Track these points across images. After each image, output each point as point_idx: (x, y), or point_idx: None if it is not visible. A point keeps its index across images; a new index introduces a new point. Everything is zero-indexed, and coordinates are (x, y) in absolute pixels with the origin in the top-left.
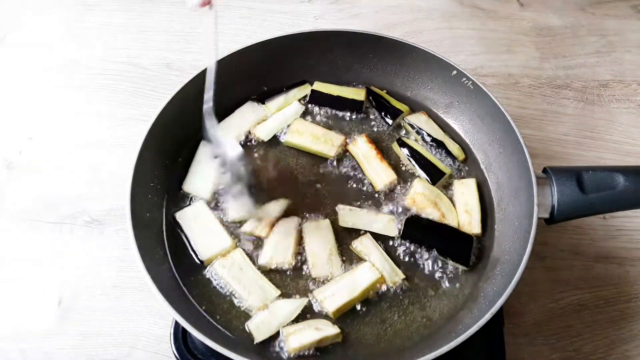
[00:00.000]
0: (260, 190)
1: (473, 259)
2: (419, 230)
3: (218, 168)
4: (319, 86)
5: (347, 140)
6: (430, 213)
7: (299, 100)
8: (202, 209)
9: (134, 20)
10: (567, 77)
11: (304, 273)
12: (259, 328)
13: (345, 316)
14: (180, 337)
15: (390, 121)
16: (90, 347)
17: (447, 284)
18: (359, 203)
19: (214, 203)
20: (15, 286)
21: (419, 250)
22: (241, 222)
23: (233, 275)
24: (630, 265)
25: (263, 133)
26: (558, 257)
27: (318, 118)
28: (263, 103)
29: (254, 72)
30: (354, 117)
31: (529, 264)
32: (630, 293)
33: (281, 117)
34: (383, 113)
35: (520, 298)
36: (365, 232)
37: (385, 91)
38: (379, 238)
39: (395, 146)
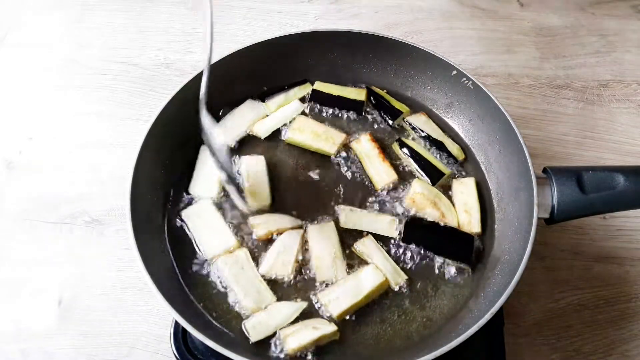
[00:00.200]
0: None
1: (473, 259)
2: (420, 232)
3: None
4: (320, 86)
5: (350, 138)
6: (429, 213)
7: (299, 100)
8: (208, 207)
9: (134, 20)
10: (567, 77)
11: (306, 277)
12: (255, 328)
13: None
14: (180, 337)
15: (390, 121)
16: (90, 347)
17: (447, 284)
18: (358, 202)
19: (220, 203)
20: (15, 286)
21: (419, 250)
22: (240, 223)
23: (234, 273)
24: (630, 265)
25: (262, 130)
26: (558, 257)
27: (318, 118)
28: (263, 101)
29: (254, 72)
30: (354, 117)
31: (529, 264)
32: (630, 293)
33: (280, 115)
34: (383, 113)
35: (520, 298)
36: (367, 233)
37: (385, 91)
38: (379, 239)
39: (395, 146)
